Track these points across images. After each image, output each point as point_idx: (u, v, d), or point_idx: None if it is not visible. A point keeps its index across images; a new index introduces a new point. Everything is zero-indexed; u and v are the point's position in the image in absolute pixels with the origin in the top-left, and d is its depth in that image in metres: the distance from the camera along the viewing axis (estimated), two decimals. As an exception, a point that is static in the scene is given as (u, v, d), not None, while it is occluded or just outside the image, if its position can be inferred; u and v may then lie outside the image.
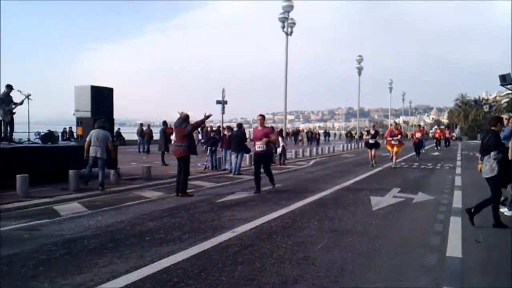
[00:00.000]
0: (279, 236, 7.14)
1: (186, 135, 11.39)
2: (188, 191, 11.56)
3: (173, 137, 22.81)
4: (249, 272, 5.34)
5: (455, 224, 8.25)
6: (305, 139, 53.22)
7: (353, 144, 43.54)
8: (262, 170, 12.27)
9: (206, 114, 11.76)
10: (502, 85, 32.28)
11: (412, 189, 12.69)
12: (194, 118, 11.73)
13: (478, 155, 8.80)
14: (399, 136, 21.26)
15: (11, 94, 14.21)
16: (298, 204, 10.17)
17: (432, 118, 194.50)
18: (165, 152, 20.41)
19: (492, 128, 8.30)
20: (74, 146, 14.96)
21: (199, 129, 28.23)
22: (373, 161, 20.69)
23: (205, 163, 18.49)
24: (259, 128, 12.49)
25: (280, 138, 22.30)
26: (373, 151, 20.87)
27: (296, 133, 55.96)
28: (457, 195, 11.78)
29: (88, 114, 14.81)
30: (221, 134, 21.34)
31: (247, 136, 18.40)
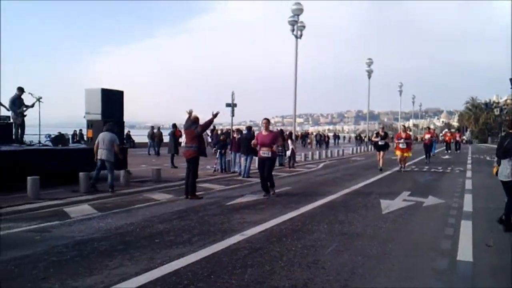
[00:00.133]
0: (289, 239, 7.13)
1: (196, 136, 11.41)
2: (197, 193, 11.58)
3: (181, 139, 22.90)
4: (259, 275, 5.33)
5: (466, 228, 8.20)
6: (314, 142, 53.16)
7: (362, 147, 43.43)
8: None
9: (214, 113, 11.72)
10: (513, 88, 32.03)
11: (422, 193, 12.63)
12: (203, 120, 11.71)
13: (494, 158, 8.74)
14: (408, 139, 20.63)
15: (22, 96, 14.31)
16: (307, 207, 10.15)
17: (442, 121, 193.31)
18: (175, 154, 20.44)
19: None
20: (84, 148, 15.04)
21: (208, 131, 28.30)
22: (381, 164, 20.21)
23: (215, 166, 18.51)
24: (264, 132, 12.13)
25: (289, 141, 22.28)
26: (381, 153, 20.45)
27: (305, 136, 55.92)
28: (468, 199, 11.71)
29: (99, 117, 14.88)
30: (231, 137, 21.35)
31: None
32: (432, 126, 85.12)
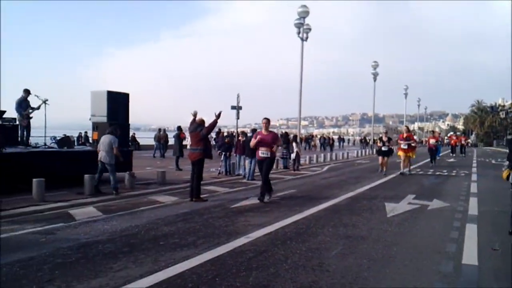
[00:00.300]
0: (294, 242, 7.13)
1: (202, 139, 11.42)
2: (202, 196, 11.59)
3: (186, 142, 22.93)
4: (264, 278, 5.33)
5: (471, 231, 8.17)
6: (317, 144, 53.13)
7: (367, 150, 43.37)
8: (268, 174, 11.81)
9: (217, 113, 11.69)
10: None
11: (427, 196, 12.60)
12: (208, 122, 11.71)
13: (505, 162, 8.70)
14: (409, 139, 20.31)
15: (28, 98, 14.36)
16: (312, 210, 10.14)
17: (448, 124, 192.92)
18: (180, 157, 20.47)
19: None
20: (89, 150, 15.07)
21: (213, 134, 28.31)
22: (384, 168, 19.88)
23: (219, 168, 18.53)
24: (264, 132, 11.64)
25: (294, 144, 22.27)
26: (385, 158, 19.99)
27: (309, 138, 55.83)
28: (473, 202, 11.69)
29: (104, 119, 14.93)
30: (236, 140, 21.36)
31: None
32: (437, 129, 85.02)
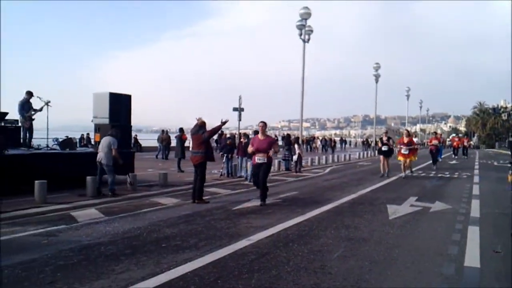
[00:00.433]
0: (296, 244, 7.12)
1: (204, 142, 11.42)
2: (204, 198, 11.59)
3: (188, 143, 22.95)
4: (266, 280, 5.33)
5: (473, 234, 8.16)
6: (319, 146, 53.11)
7: (369, 152, 43.32)
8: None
9: (223, 120, 11.73)
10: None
11: (429, 198, 12.59)
12: (210, 125, 11.72)
13: (508, 163, 8.70)
14: (411, 144, 19.85)
15: (31, 100, 14.39)
16: (314, 212, 10.13)
17: (450, 126, 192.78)
18: (182, 158, 20.48)
19: None
20: (91, 152, 15.08)
21: (215, 136, 28.34)
22: (386, 171, 19.59)
23: (221, 170, 18.52)
24: (261, 137, 11.45)
25: (296, 146, 22.26)
26: (387, 158, 19.81)
27: (310, 140, 55.77)
28: (475, 204, 11.67)
29: (106, 121, 14.96)
30: (238, 141, 21.35)
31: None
32: (439, 131, 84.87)
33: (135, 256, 6.34)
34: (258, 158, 11.25)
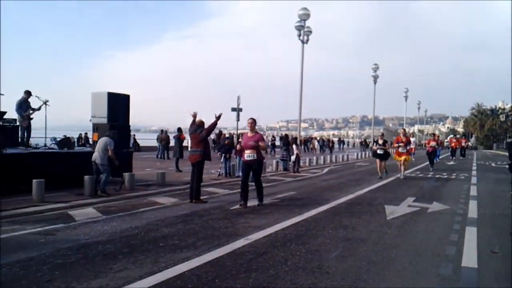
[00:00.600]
0: (293, 244, 7.13)
1: (202, 140, 11.42)
2: (202, 197, 11.59)
3: (186, 143, 22.93)
4: (263, 279, 5.33)
5: (471, 234, 8.17)
6: (316, 147, 53.12)
7: (367, 153, 43.34)
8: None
9: (217, 115, 11.67)
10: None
11: (427, 199, 12.61)
12: (208, 124, 11.71)
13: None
14: (408, 144, 19.67)
15: (29, 99, 14.37)
16: (312, 212, 10.14)
17: (448, 127, 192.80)
18: (180, 158, 20.48)
19: None
20: (89, 152, 15.05)
21: (213, 135, 28.34)
22: (383, 172, 19.25)
23: (219, 170, 18.52)
24: (249, 134, 11.32)
25: (294, 146, 22.27)
26: (383, 162, 19.37)
27: (308, 140, 55.71)
28: (473, 205, 11.68)
29: (105, 121, 14.96)
30: (237, 141, 21.33)
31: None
32: (437, 132, 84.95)
33: (132, 255, 6.34)
34: (247, 155, 11.06)
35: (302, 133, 46.02)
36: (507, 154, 18.77)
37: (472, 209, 11.03)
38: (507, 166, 18.30)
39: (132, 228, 8.18)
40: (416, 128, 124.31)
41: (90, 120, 15.64)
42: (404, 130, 22.22)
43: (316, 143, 55.79)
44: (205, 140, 11.57)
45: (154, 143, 32.99)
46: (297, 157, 22.04)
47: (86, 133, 33.37)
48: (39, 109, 14.38)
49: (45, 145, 15.43)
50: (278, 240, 7.44)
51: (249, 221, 9.05)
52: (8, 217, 8.97)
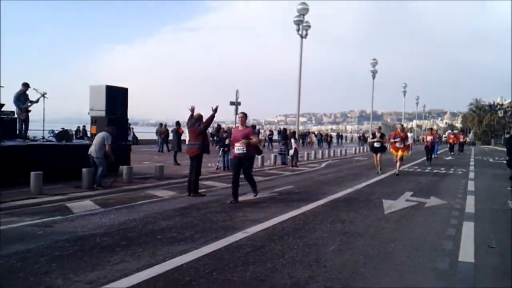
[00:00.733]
0: (291, 238, 7.14)
1: (200, 134, 11.41)
2: (200, 191, 11.59)
3: (184, 136, 22.91)
4: (261, 272, 5.34)
5: (468, 229, 8.19)
6: (314, 141, 53.11)
7: (365, 147, 43.35)
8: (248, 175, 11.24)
9: (214, 108, 11.60)
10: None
11: (424, 193, 12.63)
12: (206, 118, 11.70)
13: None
14: (405, 139, 19.26)
15: (27, 92, 14.34)
16: (310, 206, 10.15)
17: (446, 123, 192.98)
18: (178, 151, 20.47)
19: None
20: (87, 144, 15.04)
21: (210, 129, 28.31)
22: (379, 167, 19.02)
23: (217, 164, 18.52)
24: (240, 128, 11.08)
25: (292, 140, 22.26)
26: (378, 155, 19.16)
27: (305, 135, 55.57)
28: (470, 200, 11.71)
29: (103, 113, 14.94)
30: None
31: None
32: (435, 127, 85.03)
33: (130, 247, 6.34)
34: (237, 149, 10.72)
35: (301, 127, 45.99)
36: (505, 149, 18.78)
37: (470, 204, 11.06)
38: (504, 162, 18.37)
39: (130, 221, 8.19)
40: (414, 123, 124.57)
41: (88, 113, 15.61)
42: (402, 125, 22.18)
43: (313, 137, 55.73)
44: (203, 133, 11.56)
45: (152, 136, 32.92)
46: (296, 151, 22.03)
47: (84, 126, 33.32)
48: (37, 101, 14.34)
49: (43, 138, 15.39)
50: (275, 233, 7.45)
51: (247, 214, 9.06)
52: (6, 209, 8.97)
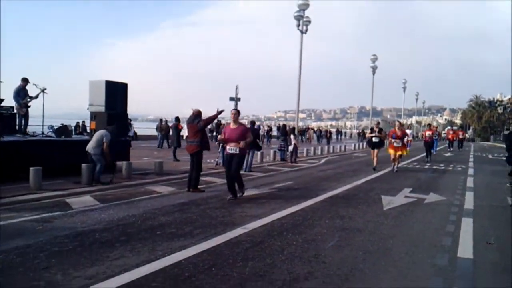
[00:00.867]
0: (290, 233, 7.15)
1: (199, 131, 11.40)
2: (199, 187, 11.60)
3: (183, 132, 22.90)
4: (260, 268, 5.35)
5: (467, 225, 8.21)
6: (312, 137, 53.10)
7: (364, 143, 43.35)
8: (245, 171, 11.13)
9: (219, 110, 11.69)
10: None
11: (423, 190, 12.64)
12: (206, 115, 11.70)
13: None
14: (403, 137, 18.52)
15: (26, 87, 14.33)
16: (309, 202, 10.16)
17: (445, 119, 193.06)
18: (177, 147, 20.47)
19: None
20: (87, 140, 15.03)
21: (210, 126, 28.28)
22: (375, 164, 18.60)
23: (217, 160, 18.51)
24: (233, 126, 10.68)
25: (292, 136, 22.25)
26: (376, 150, 18.81)
27: (304, 130, 55.45)
28: (469, 196, 11.72)
29: (102, 109, 14.90)
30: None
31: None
32: (434, 123, 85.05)
33: (129, 243, 6.35)
34: (230, 148, 10.43)
35: (300, 123, 45.89)
36: (504, 146, 18.79)
37: (469, 201, 11.07)
38: (504, 158, 18.37)
39: (129, 217, 8.19)
40: (414, 119, 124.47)
41: (88, 109, 15.59)
42: (400, 122, 20.82)
43: (312, 133, 55.69)
44: (202, 130, 11.54)
45: (152, 132, 32.84)
46: (295, 147, 22.03)
47: (83, 122, 33.26)
48: (36, 97, 14.34)
49: (43, 133, 15.39)
50: (275, 229, 7.46)
51: (246, 210, 9.07)
52: (5, 205, 8.97)
